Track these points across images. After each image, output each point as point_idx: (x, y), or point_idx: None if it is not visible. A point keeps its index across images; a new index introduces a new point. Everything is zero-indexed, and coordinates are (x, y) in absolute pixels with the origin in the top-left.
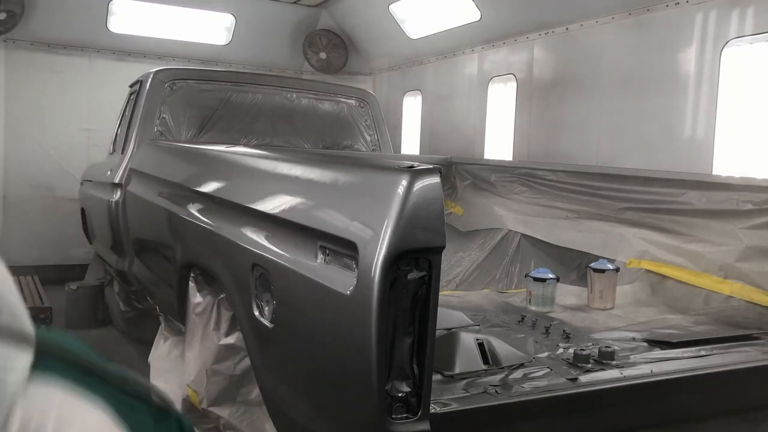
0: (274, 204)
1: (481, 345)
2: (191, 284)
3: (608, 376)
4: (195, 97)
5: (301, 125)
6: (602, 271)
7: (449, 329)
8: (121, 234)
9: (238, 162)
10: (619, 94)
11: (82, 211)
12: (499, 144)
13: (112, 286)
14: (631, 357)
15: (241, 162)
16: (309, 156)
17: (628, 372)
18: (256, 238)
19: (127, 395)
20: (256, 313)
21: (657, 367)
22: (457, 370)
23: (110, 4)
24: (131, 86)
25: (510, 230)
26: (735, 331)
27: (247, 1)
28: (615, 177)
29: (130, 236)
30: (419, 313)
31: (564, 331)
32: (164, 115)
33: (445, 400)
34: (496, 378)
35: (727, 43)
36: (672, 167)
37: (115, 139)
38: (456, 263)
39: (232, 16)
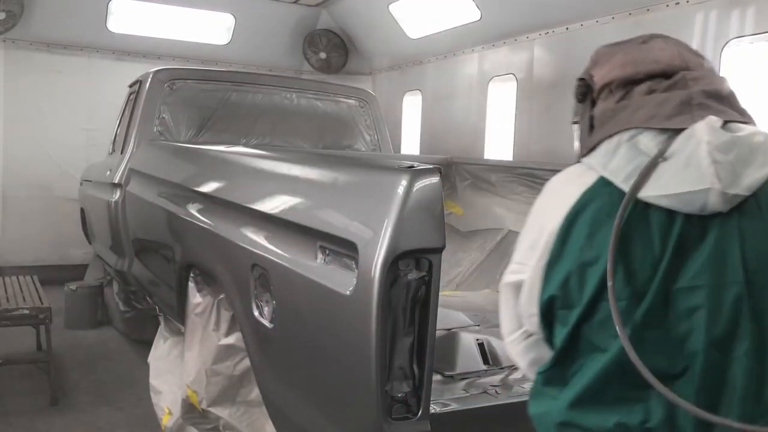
0: (274, 204)
1: (481, 345)
2: (191, 284)
3: None
4: (195, 97)
5: (301, 125)
6: None
7: (449, 329)
8: (121, 234)
9: (237, 162)
10: None
11: (82, 211)
12: (499, 144)
13: (112, 286)
14: None
15: (241, 162)
16: (309, 156)
17: None
18: (256, 238)
19: None
20: (256, 313)
21: None
22: (457, 370)
23: (110, 3)
24: (131, 86)
25: (510, 230)
26: None
27: (247, 1)
28: None
29: (130, 236)
30: (419, 313)
31: None
32: (164, 115)
33: (445, 400)
34: (496, 378)
35: (727, 42)
36: None
37: (115, 139)
38: (456, 263)
39: (232, 16)
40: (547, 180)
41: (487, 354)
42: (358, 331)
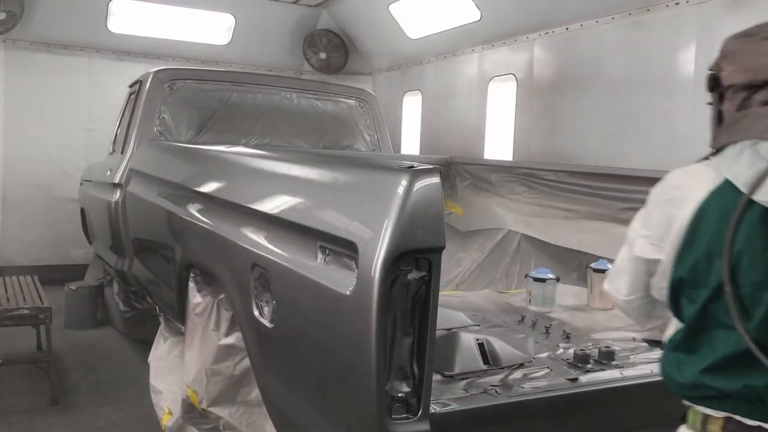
0: (274, 204)
1: (481, 345)
2: (191, 284)
3: (608, 376)
4: (195, 97)
5: (301, 125)
6: (602, 271)
7: (449, 329)
8: (121, 234)
9: (238, 162)
10: (619, 94)
11: (82, 211)
12: (499, 144)
13: (112, 286)
14: (631, 357)
15: (241, 162)
16: (309, 156)
17: (628, 372)
18: (256, 238)
19: None
20: (256, 313)
21: (657, 368)
22: (457, 370)
23: (110, 4)
24: (131, 86)
25: (510, 230)
26: None
27: (247, 1)
28: (615, 177)
29: (130, 236)
30: (419, 313)
31: (564, 331)
32: (164, 115)
33: (445, 400)
34: (496, 378)
35: None
36: (672, 167)
37: (115, 139)
38: (456, 263)
39: (232, 16)
40: (547, 180)
41: (487, 354)
42: (358, 331)
